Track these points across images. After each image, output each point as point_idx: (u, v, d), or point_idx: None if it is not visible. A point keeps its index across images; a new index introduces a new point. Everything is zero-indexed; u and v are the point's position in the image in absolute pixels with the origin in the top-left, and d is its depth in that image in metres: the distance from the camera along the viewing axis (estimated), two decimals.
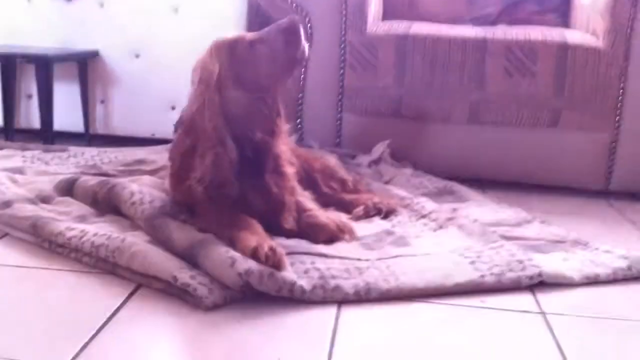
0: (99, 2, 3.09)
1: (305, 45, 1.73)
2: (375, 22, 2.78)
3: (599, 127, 2.58)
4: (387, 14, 3.15)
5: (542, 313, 1.53)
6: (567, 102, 2.57)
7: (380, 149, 2.63)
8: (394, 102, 2.65)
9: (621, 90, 2.55)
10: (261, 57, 1.74)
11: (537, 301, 1.59)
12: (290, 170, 1.84)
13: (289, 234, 1.77)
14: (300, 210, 1.84)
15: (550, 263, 1.72)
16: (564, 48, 2.55)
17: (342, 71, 2.68)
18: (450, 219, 2.00)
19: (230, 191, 1.73)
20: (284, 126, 1.83)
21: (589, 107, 2.57)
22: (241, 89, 1.74)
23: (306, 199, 1.91)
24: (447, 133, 2.66)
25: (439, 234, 1.93)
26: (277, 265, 1.50)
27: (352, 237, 1.82)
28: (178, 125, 1.87)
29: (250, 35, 1.77)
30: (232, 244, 1.60)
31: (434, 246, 1.82)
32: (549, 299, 1.60)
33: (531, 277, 1.65)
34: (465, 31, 2.67)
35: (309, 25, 2.67)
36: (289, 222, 1.79)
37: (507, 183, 2.67)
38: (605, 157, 2.60)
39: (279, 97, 1.82)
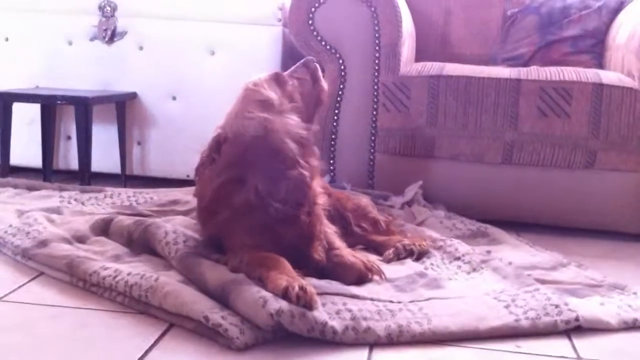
0: (138, 45, 3.17)
1: (323, 80, 1.96)
2: (408, 64, 2.80)
3: (635, 168, 2.54)
4: (420, 55, 3.18)
5: (579, 358, 1.49)
6: (602, 143, 2.54)
7: (413, 190, 2.62)
8: (427, 142, 2.65)
9: None
10: (299, 88, 1.89)
11: (574, 346, 1.55)
12: (320, 201, 1.85)
13: (318, 268, 1.77)
14: (328, 245, 1.83)
15: (587, 307, 1.69)
16: (599, 88, 2.54)
17: (375, 112, 2.70)
18: (484, 262, 1.98)
19: (305, 210, 1.75)
20: (317, 162, 1.85)
21: (625, 147, 2.54)
22: (296, 114, 1.82)
23: (333, 234, 1.90)
24: (481, 174, 2.65)
25: (473, 277, 1.90)
26: (309, 305, 1.49)
27: (382, 277, 1.81)
28: (198, 168, 1.88)
29: (282, 72, 1.93)
30: (263, 283, 1.60)
31: (467, 289, 1.79)
32: (586, 345, 1.56)
33: (568, 322, 1.62)
34: (499, 71, 2.67)
35: (342, 67, 2.70)
36: (319, 252, 1.78)
37: (542, 226, 2.64)
38: None
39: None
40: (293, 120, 1.78)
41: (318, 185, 1.87)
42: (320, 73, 1.97)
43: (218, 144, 1.80)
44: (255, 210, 1.72)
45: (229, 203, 1.76)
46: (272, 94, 1.80)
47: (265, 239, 1.73)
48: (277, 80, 1.87)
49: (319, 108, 1.98)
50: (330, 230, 1.89)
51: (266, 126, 1.72)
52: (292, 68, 1.95)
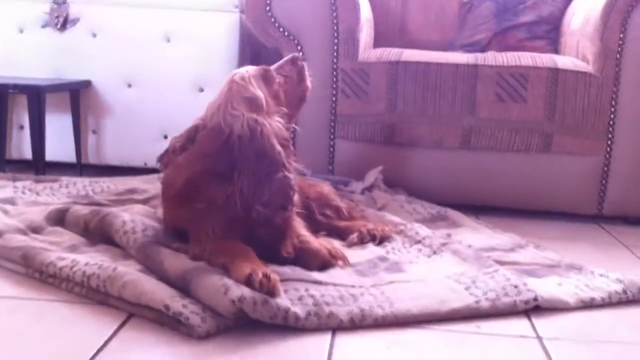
0: (91, 32, 3.10)
1: (309, 78, 1.94)
2: (366, 50, 2.80)
3: (591, 151, 2.59)
4: (378, 41, 3.18)
5: (539, 338, 1.52)
6: (558, 127, 2.58)
7: (373, 175, 2.63)
8: (386, 128, 2.66)
9: (612, 114, 2.57)
10: (284, 86, 1.88)
11: (533, 326, 1.58)
12: (295, 198, 1.84)
13: (284, 261, 1.76)
14: (295, 237, 1.83)
15: (546, 287, 1.71)
16: (555, 73, 2.57)
17: (334, 98, 2.69)
18: (444, 245, 1.99)
19: (291, 213, 1.75)
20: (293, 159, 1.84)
21: (581, 131, 2.58)
22: (281, 115, 1.80)
23: (299, 225, 1.90)
24: (440, 159, 2.66)
25: (434, 260, 1.92)
26: (272, 292, 1.49)
27: (345, 263, 1.81)
28: (165, 154, 1.86)
29: (270, 68, 1.89)
30: (226, 271, 1.59)
31: (428, 272, 1.81)
32: (545, 324, 1.59)
33: (527, 302, 1.64)
34: (456, 57, 2.69)
35: (300, 53, 2.68)
36: (288, 249, 1.78)
37: (500, 209, 2.68)
38: (597, 181, 2.61)
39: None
40: (279, 122, 1.76)
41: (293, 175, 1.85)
42: (306, 71, 1.94)
43: (195, 134, 1.77)
44: (235, 208, 1.70)
45: (205, 194, 1.73)
46: (260, 93, 1.76)
47: (238, 234, 1.72)
48: (264, 77, 1.83)
49: (301, 106, 1.96)
50: (296, 223, 1.88)
51: (254, 127, 1.69)
52: (279, 63, 1.92)
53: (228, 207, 1.70)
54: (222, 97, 1.77)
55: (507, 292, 1.66)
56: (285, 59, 1.94)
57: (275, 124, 1.74)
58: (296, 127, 2.01)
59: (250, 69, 1.84)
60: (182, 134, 1.83)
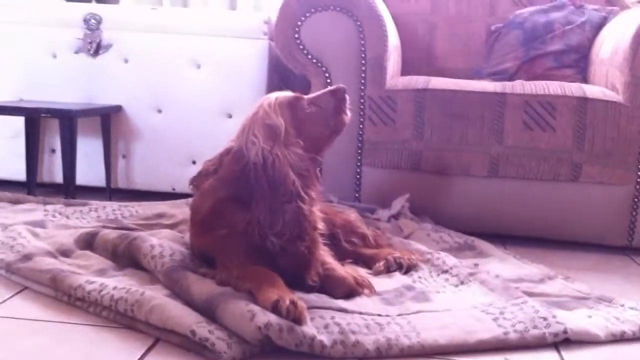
0: (123, 58, 3.15)
1: (348, 111, 1.88)
2: (394, 77, 2.81)
3: (620, 181, 2.56)
4: (405, 69, 3.20)
5: None
6: (587, 156, 2.56)
7: (399, 203, 2.63)
8: (413, 155, 2.65)
9: None
10: (316, 117, 1.82)
11: (562, 358, 1.55)
12: (320, 226, 1.84)
13: (309, 288, 1.76)
14: (321, 264, 1.82)
15: (575, 320, 1.69)
16: (584, 102, 2.56)
17: (361, 125, 2.70)
18: (471, 275, 1.98)
19: (306, 243, 1.73)
20: (318, 191, 1.83)
21: (610, 161, 2.55)
22: (302, 146, 1.77)
23: (325, 253, 1.90)
24: (467, 187, 2.65)
25: (461, 290, 1.90)
26: (298, 320, 1.49)
27: (371, 291, 1.81)
28: (197, 177, 1.87)
29: (305, 97, 1.85)
30: (252, 297, 1.59)
31: (455, 302, 1.79)
32: (574, 357, 1.57)
33: (556, 334, 1.62)
34: (484, 85, 2.68)
35: (328, 80, 2.70)
36: (314, 278, 1.77)
37: (528, 238, 2.65)
38: (627, 212, 2.57)
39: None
40: (296, 153, 1.74)
41: (317, 210, 1.85)
42: (347, 104, 1.87)
43: (222, 157, 1.79)
44: (254, 236, 1.71)
45: (228, 221, 1.74)
46: (280, 122, 1.74)
47: (261, 261, 1.72)
48: (293, 104, 1.81)
49: (334, 137, 1.89)
50: (323, 252, 1.88)
51: (267, 157, 1.69)
52: (318, 93, 1.88)
53: (248, 234, 1.71)
54: (248, 121, 1.78)
55: (535, 324, 1.64)
56: (328, 88, 1.89)
57: (291, 154, 1.73)
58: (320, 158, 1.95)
59: (282, 95, 1.83)
60: (215, 157, 1.84)
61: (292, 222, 1.70)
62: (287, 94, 1.85)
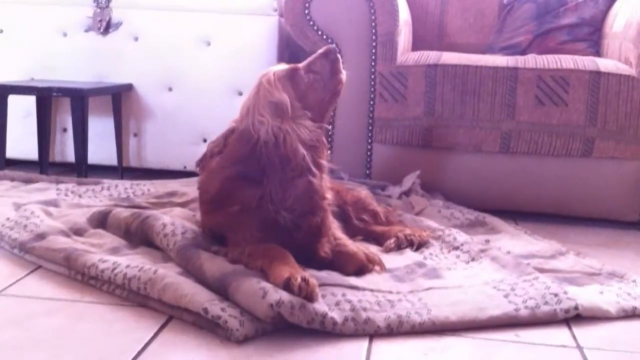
0: (133, 36, 3.15)
1: (343, 71, 1.86)
2: (404, 53, 2.79)
3: (633, 156, 2.54)
4: (417, 44, 3.17)
5: (579, 347, 1.49)
6: (600, 131, 2.54)
7: (410, 179, 2.62)
8: (424, 132, 2.64)
9: None
10: (315, 84, 1.82)
11: (573, 335, 1.56)
12: (329, 196, 1.85)
13: (321, 263, 1.77)
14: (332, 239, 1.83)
15: (586, 296, 1.69)
16: (597, 76, 2.53)
17: (372, 102, 2.69)
18: (482, 251, 1.98)
19: (317, 217, 1.75)
20: (326, 161, 1.84)
21: (623, 135, 2.53)
22: (309, 117, 1.77)
23: (336, 228, 1.91)
24: (478, 163, 2.64)
25: (472, 266, 1.90)
26: (310, 297, 1.50)
27: (382, 268, 1.81)
28: (203, 159, 1.87)
29: (299, 65, 1.84)
30: (264, 274, 1.60)
31: (466, 278, 1.79)
32: (586, 333, 1.57)
33: (567, 311, 1.62)
34: (496, 60, 2.66)
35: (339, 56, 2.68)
36: (325, 249, 1.78)
37: (540, 214, 2.64)
38: None
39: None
40: (305, 126, 1.74)
41: (326, 181, 1.85)
42: (340, 64, 1.86)
43: (230, 136, 1.79)
44: (267, 210, 1.72)
45: (238, 197, 1.75)
46: (285, 98, 1.74)
47: (274, 235, 1.73)
48: (292, 77, 1.80)
49: (334, 100, 1.89)
50: (333, 225, 1.89)
51: (278, 134, 1.69)
52: (311, 59, 1.86)
53: (261, 209, 1.72)
54: (251, 101, 1.78)
55: (546, 300, 1.64)
56: (317, 52, 1.87)
57: (301, 128, 1.73)
58: (329, 127, 1.95)
59: (278, 69, 1.82)
60: (219, 138, 1.84)
61: (303, 196, 1.71)
62: (283, 66, 1.84)
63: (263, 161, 1.71)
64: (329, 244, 1.80)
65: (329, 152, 1.86)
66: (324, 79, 1.83)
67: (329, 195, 1.85)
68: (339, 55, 1.86)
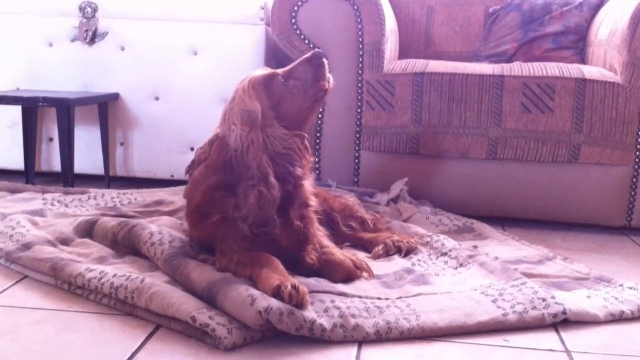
0: (119, 46, 3.14)
1: (329, 74, 1.80)
2: (391, 61, 2.80)
3: (619, 161, 2.56)
4: (403, 53, 3.19)
5: (567, 351, 1.50)
6: (586, 138, 2.56)
7: (398, 186, 2.63)
8: (411, 139, 2.65)
9: None
10: (294, 91, 1.77)
11: (561, 339, 1.56)
12: (313, 203, 1.84)
13: (308, 270, 1.76)
14: (319, 246, 1.83)
15: (574, 300, 1.69)
16: (582, 83, 2.55)
17: (359, 110, 2.70)
18: (470, 257, 1.98)
19: (273, 229, 1.72)
20: (305, 168, 1.82)
21: (609, 142, 2.55)
22: (281, 125, 1.75)
23: (323, 236, 1.90)
24: (466, 170, 2.65)
25: (460, 272, 1.91)
26: (300, 304, 1.50)
27: (370, 275, 1.81)
28: (192, 166, 1.87)
29: (280, 71, 1.80)
30: (253, 282, 1.60)
31: (455, 284, 1.80)
32: (574, 337, 1.57)
33: (555, 315, 1.62)
34: (482, 68, 2.67)
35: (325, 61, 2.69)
36: (311, 256, 1.78)
37: (527, 220, 2.65)
38: (626, 192, 2.58)
39: (307, 131, 1.84)
40: (274, 133, 1.72)
41: (309, 187, 1.85)
42: (325, 70, 1.79)
43: (211, 145, 1.78)
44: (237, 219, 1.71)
45: (219, 207, 1.75)
46: (255, 106, 1.72)
47: (259, 244, 1.72)
48: (268, 84, 1.77)
49: (316, 107, 1.83)
50: (320, 232, 1.88)
51: (244, 142, 1.68)
52: (294, 63, 1.81)
53: (236, 219, 1.71)
54: (227, 107, 1.77)
55: (534, 305, 1.64)
56: (302, 58, 1.81)
57: (269, 136, 1.71)
58: (308, 135, 1.87)
59: (255, 75, 1.79)
60: (205, 144, 1.83)
61: (253, 206, 1.68)
62: (262, 72, 1.80)
63: (235, 170, 1.71)
64: (315, 252, 1.79)
65: (313, 159, 1.84)
66: (305, 85, 1.78)
67: (313, 202, 1.84)
68: (324, 60, 1.79)
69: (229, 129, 1.72)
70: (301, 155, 1.78)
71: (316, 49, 1.84)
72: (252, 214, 1.68)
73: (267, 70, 1.81)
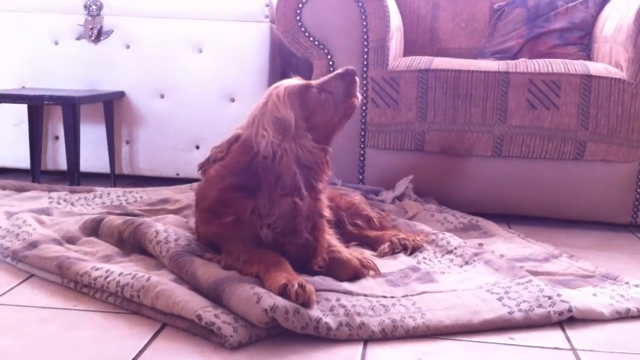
0: (125, 44, 3.15)
1: (358, 94, 1.82)
2: (396, 58, 2.80)
3: (625, 158, 2.55)
4: (408, 49, 3.18)
5: (573, 349, 1.50)
6: (592, 134, 2.55)
7: (403, 184, 2.62)
8: (417, 137, 2.65)
9: None
10: (325, 104, 1.77)
11: (567, 337, 1.56)
12: (327, 214, 1.84)
13: (315, 272, 1.76)
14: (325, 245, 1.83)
15: (580, 298, 1.69)
16: (588, 79, 2.54)
17: (364, 107, 2.69)
18: (476, 255, 1.98)
19: (298, 239, 1.73)
20: (325, 182, 1.82)
21: (615, 138, 2.54)
22: (312, 137, 1.74)
23: (332, 237, 1.90)
24: (471, 167, 2.65)
25: (466, 270, 1.91)
26: (307, 303, 1.50)
27: (376, 273, 1.81)
28: (206, 164, 1.86)
29: (314, 83, 1.80)
30: (260, 280, 1.60)
31: (460, 282, 1.79)
32: (580, 335, 1.57)
33: (561, 313, 1.62)
34: (487, 65, 2.67)
35: (330, 62, 2.69)
36: (320, 264, 1.78)
37: (533, 218, 2.65)
38: (632, 189, 2.57)
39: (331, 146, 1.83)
40: (306, 146, 1.71)
41: (325, 199, 1.84)
42: (357, 87, 1.81)
43: (234, 143, 1.78)
44: (256, 224, 1.72)
45: (233, 208, 1.74)
46: (290, 115, 1.71)
47: (268, 249, 1.72)
48: (302, 95, 1.76)
49: (344, 122, 1.83)
50: (329, 235, 1.88)
51: (276, 151, 1.68)
52: (326, 78, 1.82)
53: (252, 222, 1.72)
54: (258, 111, 1.76)
55: (540, 303, 1.64)
56: (335, 72, 1.83)
57: (300, 148, 1.71)
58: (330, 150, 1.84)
59: (291, 84, 1.79)
60: (223, 143, 1.82)
61: (285, 215, 1.69)
62: (296, 81, 1.80)
63: (259, 175, 1.70)
64: (323, 259, 1.79)
65: (329, 169, 1.83)
66: (337, 100, 1.78)
67: (327, 213, 1.84)
68: (356, 78, 1.81)
69: (257, 134, 1.71)
70: (324, 170, 1.78)
71: (349, 67, 1.83)
72: (282, 222, 1.69)
73: (302, 81, 1.81)
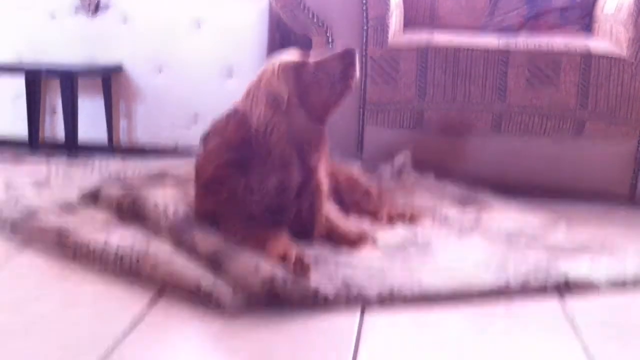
0: (122, 17, 3.13)
1: (356, 75, 1.78)
2: (396, 34, 2.79)
3: (624, 136, 2.56)
4: (408, 27, 3.16)
5: (569, 319, 1.51)
6: (591, 113, 2.55)
7: (401, 159, 2.62)
8: (415, 115, 2.65)
9: None
10: (322, 83, 1.75)
11: (563, 307, 1.57)
12: (325, 187, 1.84)
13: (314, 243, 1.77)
14: (325, 219, 1.84)
15: (577, 269, 1.70)
16: (588, 58, 2.54)
17: (363, 85, 2.69)
18: (474, 226, 1.98)
19: (288, 217, 1.73)
20: (322, 156, 1.81)
21: (614, 117, 2.54)
22: (305, 114, 1.74)
23: (330, 210, 1.91)
24: (470, 145, 2.65)
25: (463, 241, 1.91)
26: (305, 274, 1.51)
27: (374, 245, 1.82)
28: (205, 138, 1.86)
29: (311, 60, 1.78)
30: (259, 250, 1.60)
31: (458, 252, 1.80)
32: (576, 306, 1.58)
33: (557, 284, 1.63)
34: (487, 42, 2.66)
35: (329, 40, 2.68)
36: (319, 236, 1.79)
37: (531, 190, 2.63)
38: (630, 166, 2.57)
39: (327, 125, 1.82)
40: (297, 123, 1.71)
41: (322, 173, 1.83)
42: (355, 69, 1.76)
43: (229, 119, 1.77)
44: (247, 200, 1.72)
45: (228, 185, 1.75)
46: (284, 90, 1.71)
47: (264, 224, 1.73)
48: (298, 71, 1.74)
49: (339, 103, 1.79)
50: (328, 208, 1.88)
51: (268, 124, 1.68)
52: (325, 57, 1.78)
53: (244, 199, 1.72)
54: (253, 85, 1.76)
55: (537, 274, 1.65)
56: (336, 52, 1.78)
57: (292, 123, 1.71)
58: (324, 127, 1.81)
59: (287, 59, 1.77)
60: (223, 117, 1.82)
61: (273, 191, 1.70)
62: (293, 57, 1.79)
63: (253, 149, 1.70)
64: (322, 232, 1.80)
65: (326, 146, 1.82)
66: (333, 80, 1.75)
67: (326, 186, 1.84)
68: (356, 60, 1.77)
69: (251, 107, 1.71)
70: (318, 146, 1.77)
71: (350, 48, 1.78)
72: (268, 199, 1.69)
73: (299, 57, 1.79)
